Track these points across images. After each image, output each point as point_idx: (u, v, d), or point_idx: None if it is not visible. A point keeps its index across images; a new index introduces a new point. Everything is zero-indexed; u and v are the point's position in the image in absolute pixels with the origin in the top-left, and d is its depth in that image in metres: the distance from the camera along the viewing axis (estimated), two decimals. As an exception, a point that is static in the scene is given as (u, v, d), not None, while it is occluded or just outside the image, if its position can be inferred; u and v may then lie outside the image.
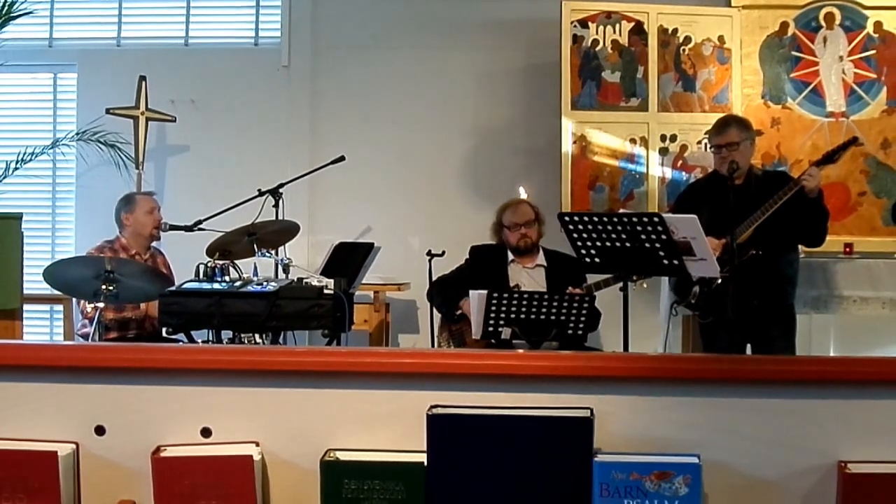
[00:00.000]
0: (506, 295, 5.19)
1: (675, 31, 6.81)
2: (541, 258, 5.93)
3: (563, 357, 3.08)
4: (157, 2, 7.93)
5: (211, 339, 4.92)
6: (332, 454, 2.64)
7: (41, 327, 7.73)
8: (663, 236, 4.44)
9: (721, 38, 6.82)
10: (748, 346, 5.27)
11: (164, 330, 5.08)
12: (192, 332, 4.97)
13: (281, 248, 5.88)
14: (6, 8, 6.87)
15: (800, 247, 5.73)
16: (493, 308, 5.16)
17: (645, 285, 5.22)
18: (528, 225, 5.89)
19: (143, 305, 5.75)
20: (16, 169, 7.23)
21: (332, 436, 2.71)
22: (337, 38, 7.63)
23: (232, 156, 7.59)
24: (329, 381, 2.74)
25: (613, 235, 4.54)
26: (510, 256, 5.94)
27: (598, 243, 4.62)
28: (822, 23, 6.85)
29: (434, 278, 6.07)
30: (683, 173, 6.80)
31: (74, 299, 6.14)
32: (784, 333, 5.33)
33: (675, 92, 6.82)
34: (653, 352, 6.23)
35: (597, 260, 4.69)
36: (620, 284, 4.73)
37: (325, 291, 4.78)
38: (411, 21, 7.57)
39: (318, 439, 2.70)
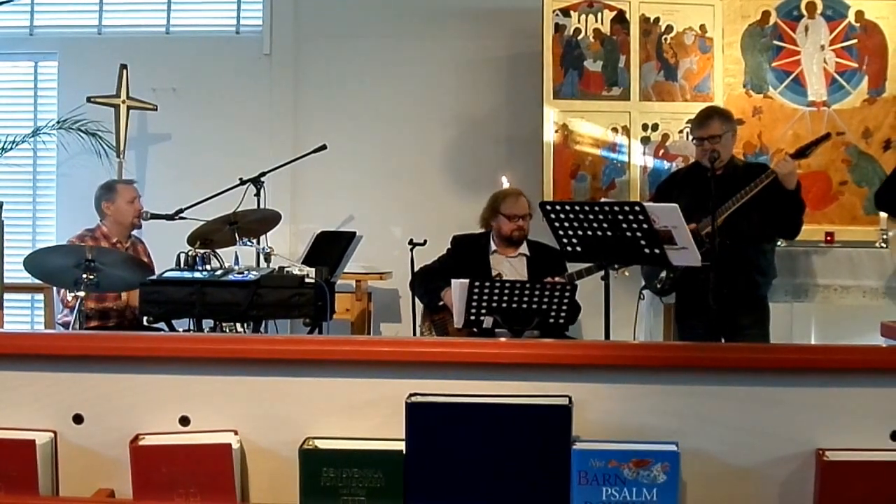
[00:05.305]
0: (487, 284, 5.19)
1: (657, 19, 6.81)
2: (523, 248, 5.94)
3: (543, 345, 3.09)
4: (137, -11, 7.89)
5: (192, 328, 4.91)
6: (310, 442, 2.64)
7: (22, 316, 7.71)
8: (644, 225, 4.46)
9: (703, 27, 6.82)
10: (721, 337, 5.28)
11: (144, 319, 5.06)
12: (173, 321, 4.96)
13: (262, 237, 5.86)
14: (-14, -4, 6.85)
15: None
16: (475, 297, 5.16)
17: (626, 273, 5.24)
18: (525, 218, 5.91)
19: (124, 295, 5.75)
20: (-4, 158, 7.22)
21: (310, 424, 2.70)
22: (319, 26, 7.61)
23: (213, 144, 7.56)
24: (308, 369, 2.73)
25: (595, 224, 4.55)
26: (492, 246, 5.94)
27: (580, 232, 4.63)
28: (804, 12, 6.84)
29: (416, 268, 6.06)
30: (665, 162, 6.81)
31: (55, 288, 6.12)
32: (755, 323, 5.35)
33: (656, 81, 6.82)
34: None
35: (578, 249, 4.70)
36: (602, 273, 4.74)
37: (307, 280, 4.78)
38: (393, 10, 7.55)
39: (296, 427, 2.70)
